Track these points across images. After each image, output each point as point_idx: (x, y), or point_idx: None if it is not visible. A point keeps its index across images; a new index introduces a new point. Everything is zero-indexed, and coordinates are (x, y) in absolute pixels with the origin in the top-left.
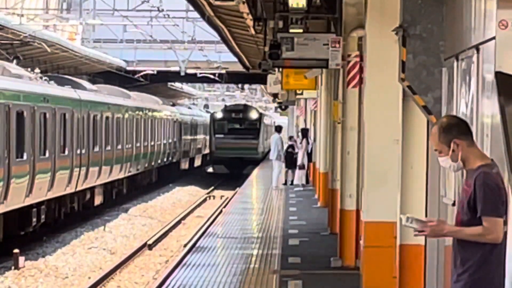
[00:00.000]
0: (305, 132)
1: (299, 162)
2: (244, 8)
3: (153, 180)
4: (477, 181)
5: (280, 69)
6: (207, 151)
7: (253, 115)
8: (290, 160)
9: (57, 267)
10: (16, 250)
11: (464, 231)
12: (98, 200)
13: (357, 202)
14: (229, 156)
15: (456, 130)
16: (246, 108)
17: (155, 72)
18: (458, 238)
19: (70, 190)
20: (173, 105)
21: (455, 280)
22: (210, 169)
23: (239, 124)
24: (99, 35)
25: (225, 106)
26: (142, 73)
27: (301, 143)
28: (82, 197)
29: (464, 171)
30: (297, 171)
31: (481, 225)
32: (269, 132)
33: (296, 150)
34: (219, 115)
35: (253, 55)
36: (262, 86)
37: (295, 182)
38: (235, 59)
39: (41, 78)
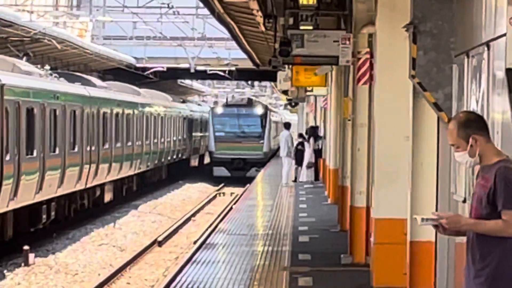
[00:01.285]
0: (312, 131)
1: (305, 162)
2: (254, 5)
3: (163, 177)
4: (497, 175)
5: (290, 66)
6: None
7: (258, 110)
8: (300, 157)
9: (67, 263)
10: (26, 247)
11: (482, 224)
12: (108, 197)
13: (367, 199)
14: (231, 157)
15: (475, 126)
16: (250, 102)
17: (165, 69)
18: (477, 233)
19: (80, 187)
20: (183, 102)
21: (474, 276)
22: (217, 172)
23: (242, 120)
24: (109, 32)
25: (227, 100)
26: (152, 70)
27: (308, 141)
28: (92, 194)
29: (478, 167)
30: (304, 169)
31: (500, 219)
32: (278, 129)
33: (306, 147)
34: (219, 110)
35: (263, 52)
36: (272, 83)
37: (300, 179)
38: (245, 56)
39: (51, 75)
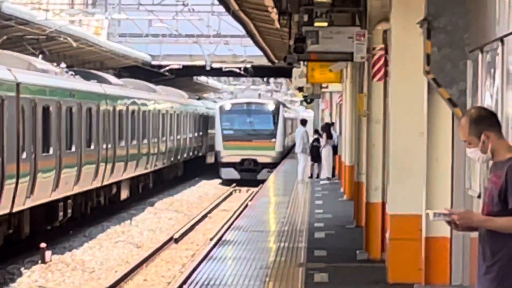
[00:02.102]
0: (326, 127)
1: (323, 159)
2: (269, 2)
3: (179, 174)
4: (509, 172)
5: (305, 63)
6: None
7: (270, 106)
8: (315, 154)
9: (84, 261)
10: (43, 245)
11: (493, 221)
12: (124, 194)
13: (382, 195)
14: (240, 157)
15: (487, 122)
16: (260, 98)
17: (181, 67)
18: (488, 229)
19: (96, 184)
20: (199, 99)
21: (484, 272)
22: (226, 175)
23: (252, 117)
24: (125, 29)
25: (236, 96)
26: (167, 68)
27: (322, 137)
28: (108, 191)
29: (490, 163)
30: (324, 165)
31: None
32: (293, 126)
33: (321, 144)
34: (228, 106)
35: (278, 48)
36: (288, 79)
37: (321, 176)
38: (261, 53)
39: (66, 72)
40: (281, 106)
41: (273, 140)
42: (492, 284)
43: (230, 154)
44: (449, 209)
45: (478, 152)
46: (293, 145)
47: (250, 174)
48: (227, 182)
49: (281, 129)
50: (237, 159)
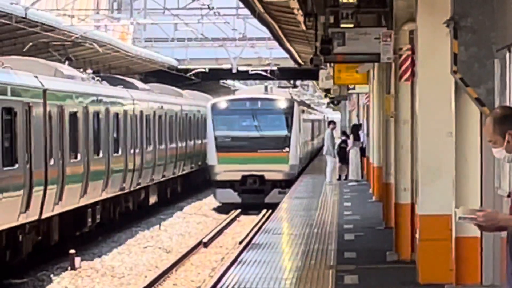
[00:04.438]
0: (354, 129)
1: (350, 161)
2: (294, 4)
3: (208, 178)
4: None
5: (332, 64)
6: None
7: (281, 103)
8: (343, 155)
9: (113, 266)
10: (72, 251)
11: None
12: (152, 199)
13: (411, 195)
14: (241, 174)
15: (511, 121)
16: (268, 93)
17: (207, 70)
18: None
19: (124, 189)
20: None
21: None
22: (222, 197)
23: (257, 118)
24: (150, 34)
25: (234, 91)
26: (194, 71)
27: (349, 139)
28: (136, 197)
29: None
30: (352, 167)
31: None
32: (320, 130)
33: (349, 145)
34: (223, 104)
35: (305, 50)
36: (314, 81)
37: (350, 177)
38: (287, 55)
39: (93, 78)
40: (295, 104)
41: (286, 149)
42: None
43: (227, 170)
44: (474, 209)
45: (504, 152)
46: (315, 154)
47: (254, 197)
48: (224, 208)
49: (296, 134)
50: (236, 177)
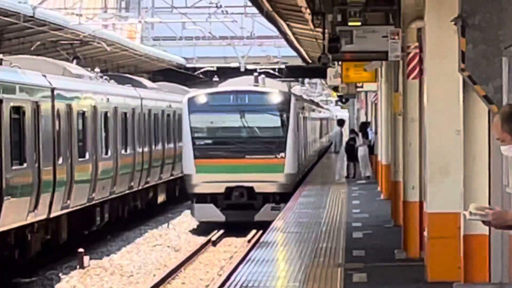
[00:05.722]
0: (363, 127)
1: (360, 159)
2: (302, 2)
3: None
4: None
5: (340, 63)
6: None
7: (274, 98)
8: (351, 153)
9: (122, 265)
10: (80, 250)
11: None
12: (161, 197)
13: (420, 193)
14: (224, 185)
15: None
16: (258, 85)
17: (215, 69)
18: None
19: (133, 188)
20: None
21: None
22: (201, 214)
23: (244, 117)
24: (158, 33)
25: (216, 82)
26: (202, 70)
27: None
28: (145, 195)
29: None
30: (362, 164)
31: None
32: (329, 128)
33: (358, 143)
34: (202, 99)
35: (313, 49)
36: (322, 80)
37: (363, 174)
38: (295, 54)
39: (101, 77)
40: (293, 98)
41: (281, 155)
42: None
43: (207, 181)
44: (483, 207)
45: None
46: (316, 160)
47: (242, 214)
48: (204, 228)
49: (293, 135)
50: (219, 189)
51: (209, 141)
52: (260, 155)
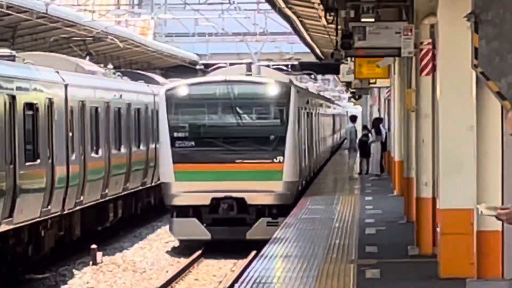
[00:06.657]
0: (376, 123)
1: (372, 155)
2: None
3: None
4: None
5: (353, 59)
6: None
7: (270, 90)
8: (364, 150)
9: (135, 261)
10: (93, 246)
11: None
12: None
13: (433, 190)
14: (210, 197)
15: None
16: (251, 74)
17: (228, 65)
18: None
19: (146, 184)
20: None
21: None
22: (179, 230)
23: (234, 113)
24: (171, 29)
25: (201, 72)
26: (215, 66)
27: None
28: (158, 192)
29: None
30: (372, 161)
31: None
32: (341, 123)
33: (370, 139)
34: (183, 91)
35: (325, 45)
36: (335, 76)
37: (370, 171)
38: (308, 50)
39: (114, 73)
40: (293, 90)
41: (279, 158)
42: None
43: (189, 190)
44: (498, 207)
45: None
46: (324, 163)
47: (231, 231)
48: (184, 247)
49: (294, 134)
50: (203, 200)
51: (191, 142)
52: (253, 159)
